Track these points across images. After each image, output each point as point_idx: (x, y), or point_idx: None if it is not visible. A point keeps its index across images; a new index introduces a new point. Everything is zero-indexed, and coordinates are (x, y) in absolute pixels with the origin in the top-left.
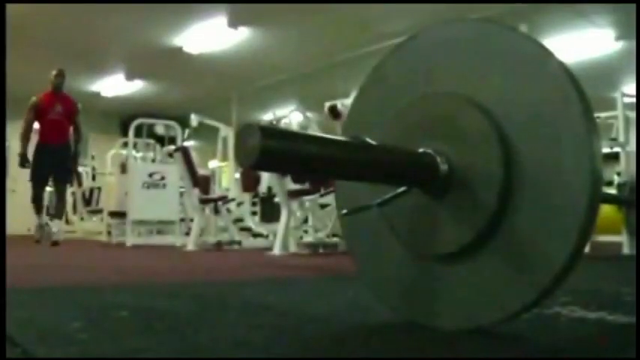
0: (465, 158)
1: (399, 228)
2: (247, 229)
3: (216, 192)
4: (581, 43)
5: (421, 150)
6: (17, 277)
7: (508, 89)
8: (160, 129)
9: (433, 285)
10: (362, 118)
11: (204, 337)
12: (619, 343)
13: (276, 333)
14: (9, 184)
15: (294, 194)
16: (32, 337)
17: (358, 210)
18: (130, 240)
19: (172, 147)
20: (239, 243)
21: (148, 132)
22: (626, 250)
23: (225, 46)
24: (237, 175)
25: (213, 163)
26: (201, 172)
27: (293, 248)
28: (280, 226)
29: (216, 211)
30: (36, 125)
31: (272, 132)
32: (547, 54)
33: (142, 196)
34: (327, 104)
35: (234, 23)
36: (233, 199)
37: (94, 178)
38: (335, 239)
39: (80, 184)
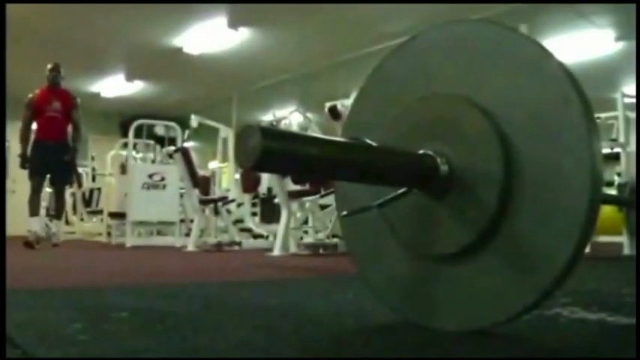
0: (465, 159)
1: (400, 229)
2: (247, 230)
3: (216, 193)
4: (581, 44)
5: (421, 151)
6: (17, 278)
7: (508, 90)
8: (160, 130)
9: (433, 286)
10: (362, 119)
11: (205, 338)
12: (619, 344)
13: (276, 334)
14: (9, 185)
15: (294, 195)
16: (32, 339)
17: (358, 211)
18: (130, 241)
19: (172, 148)
20: (239, 244)
21: (148, 133)
22: (626, 250)
23: (225, 46)
24: (237, 176)
25: (213, 164)
26: (201, 172)
27: (293, 249)
28: (280, 227)
29: (216, 211)
30: (33, 126)
31: (272, 133)
32: (547, 55)
33: (141, 197)
34: (327, 105)
35: (234, 24)
36: (233, 200)
37: (93, 178)
38: (335, 240)
39: (80, 184)
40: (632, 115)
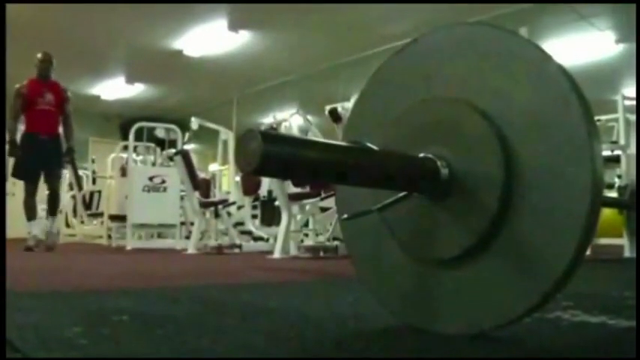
0: (465, 162)
1: (400, 232)
2: (248, 233)
3: (216, 195)
4: (581, 46)
5: (422, 154)
6: (17, 280)
7: (508, 93)
8: (160, 132)
9: (434, 289)
10: (363, 123)
11: (205, 341)
12: (620, 347)
13: (277, 337)
14: (8, 188)
15: (294, 198)
16: (32, 342)
17: (359, 215)
18: (131, 243)
19: (173, 150)
20: (239, 246)
21: (149, 135)
22: (627, 253)
23: (225, 49)
24: (238, 179)
25: (213, 167)
26: (201, 175)
27: (294, 252)
28: (281, 230)
29: (217, 214)
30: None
31: (273, 137)
32: (546, 57)
33: (142, 200)
34: (328, 107)
35: (234, 26)
36: (233, 203)
37: (94, 181)
38: (336, 243)
39: (80, 187)
40: (633, 117)
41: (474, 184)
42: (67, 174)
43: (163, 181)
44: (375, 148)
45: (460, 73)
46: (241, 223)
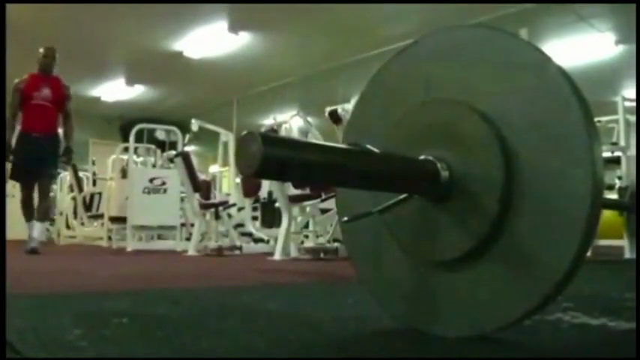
0: (465, 165)
1: (400, 235)
2: (248, 235)
3: (217, 197)
4: (581, 47)
5: (422, 157)
6: (17, 282)
7: (508, 95)
8: (160, 134)
9: (434, 291)
10: (362, 125)
11: (205, 343)
12: (620, 349)
13: (277, 339)
14: (8, 189)
15: (294, 199)
16: (33, 344)
17: (359, 217)
18: (131, 245)
19: (173, 152)
20: (240, 248)
21: (149, 137)
22: (627, 254)
23: (225, 51)
24: (238, 180)
25: (213, 168)
26: (201, 177)
27: (294, 253)
28: (281, 232)
29: (217, 216)
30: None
31: (273, 140)
32: (546, 59)
33: (142, 202)
34: (328, 109)
35: (234, 28)
36: (234, 204)
37: (94, 183)
38: (336, 244)
39: (81, 189)
40: (633, 118)
41: (475, 186)
42: (67, 176)
43: (164, 183)
44: (375, 150)
45: (460, 75)
46: (242, 225)
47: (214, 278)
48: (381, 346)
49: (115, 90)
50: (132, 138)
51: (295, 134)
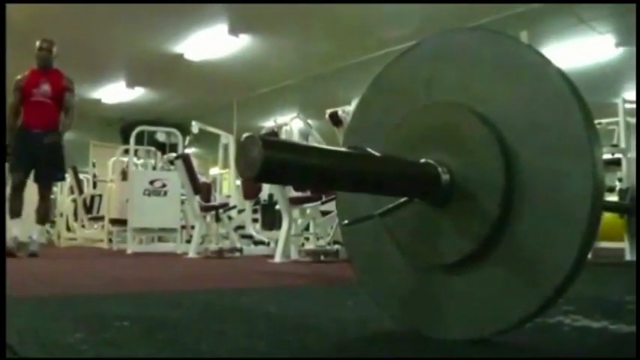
0: (466, 168)
1: (400, 238)
2: (248, 237)
3: (217, 199)
4: (582, 50)
5: (423, 160)
6: (18, 285)
7: (508, 98)
8: (161, 136)
9: (435, 295)
10: (363, 128)
11: (206, 346)
12: (621, 353)
13: (278, 342)
14: (9, 191)
15: (295, 202)
16: (33, 348)
17: (360, 220)
18: (131, 247)
19: (173, 154)
20: (240, 250)
21: (149, 139)
22: (628, 256)
23: (226, 53)
24: (238, 183)
25: (214, 171)
26: (202, 179)
27: (294, 256)
28: (281, 234)
29: (218, 218)
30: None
31: (273, 143)
32: (546, 62)
33: (142, 204)
34: (328, 111)
35: (234, 30)
36: (234, 207)
37: (94, 185)
38: (336, 247)
39: (81, 191)
40: (633, 120)
41: (475, 189)
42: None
43: (164, 185)
44: (376, 153)
45: (460, 78)
46: (242, 227)
47: (214, 280)
48: (381, 348)
49: (115, 92)
50: (132, 140)
51: (296, 136)
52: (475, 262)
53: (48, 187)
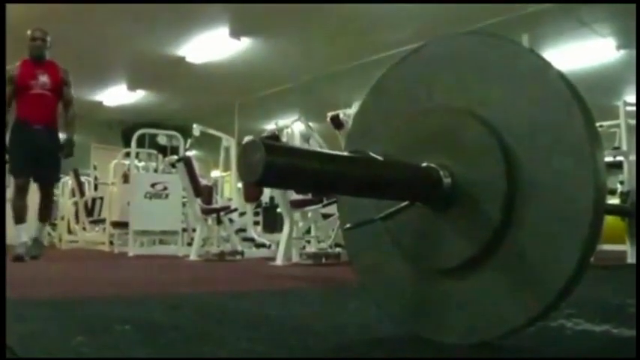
0: (468, 172)
1: (402, 241)
2: (250, 240)
3: (218, 202)
4: (583, 52)
5: (424, 164)
6: (18, 288)
7: (510, 102)
8: (162, 139)
9: (437, 298)
10: (365, 132)
11: (207, 349)
12: (623, 357)
13: (279, 345)
14: (9, 194)
15: (296, 204)
16: (35, 352)
17: (361, 224)
18: (132, 250)
19: (175, 157)
20: (241, 253)
21: (151, 142)
22: (630, 259)
23: (227, 56)
24: (240, 185)
25: (215, 173)
26: (203, 182)
27: (295, 258)
28: (283, 237)
29: (219, 221)
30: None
31: (275, 148)
32: (547, 66)
33: (144, 207)
34: (330, 114)
35: (236, 33)
36: (235, 209)
37: (96, 188)
38: (338, 249)
39: (82, 194)
40: (635, 123)
41: (477, 193)
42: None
43: (165, 188)
44: (377, 157)
45: (462, 82)
46: (243, 230)
47: (216, 284)
48: (382, 350)
49: (117, 95)
50: (134, 143)
51: (297, 139)
52: (477, 265)
53: (50, 187)
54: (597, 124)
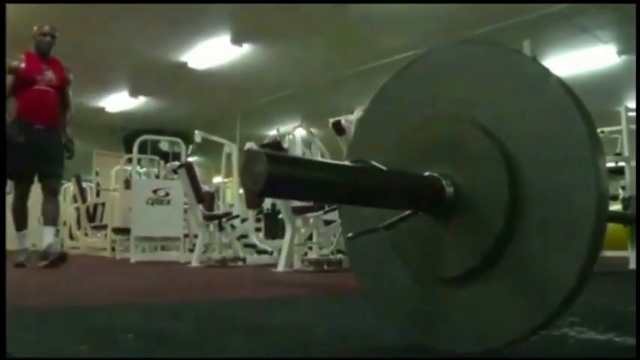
0: (470, 181)
1: (404, 250)
2: (251, 246)
3: (220, 208)
4: (584, 58)
5: (427, 173)
6: (19, 296)
7: (512, 110)
8: (164, 145)
9: (440, 308)
10: (367, 141)
11: (210, 357)
12: None
13: (282, 353)
14: (9, 200)
15: (298, 211)
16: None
17: (364, 233)
18: (134, 256)
19: (176, 163)
20: (243, 259)
21: (152, 148)
22: (632, 265)
23: (229, 62)
24: (242, 192)
25: (217, 179)
26: (205, 188)
27: (297, 265)
28: (284, 243)
29: (221, 227)
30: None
31: (278, 158)
32: (547, 73)
33: (145, 213)
34: (332, 120)
35: (237, 40)
36: (237, 216)
37: (97, 194)
38: (339, 256)
39: (84, 199)
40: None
41: (479, 202)
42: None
43: (167, 194)
44: (380, 167)
45: (464, 91)
46: (245, 236)
47: (218, 291)
48: (384, 358)
49: (119, 101)
50: (135, 149)
51: (299, 145)
52: (480, 275)
53: (56, 187)
54: (599, 130)
